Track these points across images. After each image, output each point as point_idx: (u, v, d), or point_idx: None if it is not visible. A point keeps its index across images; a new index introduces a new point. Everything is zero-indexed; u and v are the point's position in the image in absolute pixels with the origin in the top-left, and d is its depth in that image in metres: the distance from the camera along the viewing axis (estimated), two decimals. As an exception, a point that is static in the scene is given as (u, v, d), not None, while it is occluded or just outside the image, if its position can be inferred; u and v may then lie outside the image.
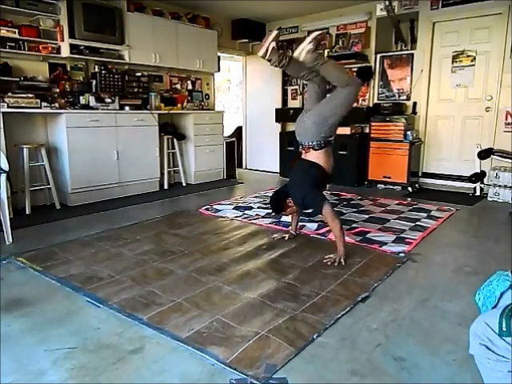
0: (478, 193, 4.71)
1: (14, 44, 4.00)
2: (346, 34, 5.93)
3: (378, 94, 5.78)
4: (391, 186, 5.23)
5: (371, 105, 5.75)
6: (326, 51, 5.99)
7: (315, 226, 3.38)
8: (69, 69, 4.62)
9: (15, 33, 3.98)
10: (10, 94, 3.84)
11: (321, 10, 5.94)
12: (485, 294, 1.31)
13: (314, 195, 2.69)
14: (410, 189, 5.05)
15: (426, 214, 3.85)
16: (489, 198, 4.52)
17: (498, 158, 4.58)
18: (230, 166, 6.11)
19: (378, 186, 5.35)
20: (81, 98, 4.45)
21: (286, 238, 3.11)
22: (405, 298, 2.15)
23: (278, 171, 6.36)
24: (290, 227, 3.23)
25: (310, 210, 2.88)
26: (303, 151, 2.86)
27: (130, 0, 4.86)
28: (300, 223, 3.32)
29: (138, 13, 4.93)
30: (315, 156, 2.79)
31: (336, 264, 2.57)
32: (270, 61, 2.75)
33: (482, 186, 4.71)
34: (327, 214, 2.62)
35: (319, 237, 3.21)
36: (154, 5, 5.29)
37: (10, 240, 3.04)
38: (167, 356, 1.63)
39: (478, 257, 2.82)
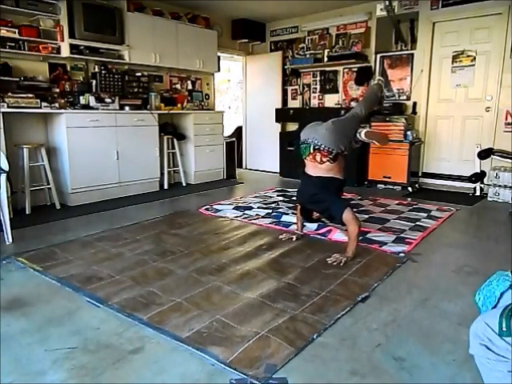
0: (478, 193, 4.71)
1: (14, 44, 4.00)
2: (345, 34, 5.93)
3: (378, 93, 5.77)
4: (391, 186, 5.23)
5: (371, 105, 5.74)
6: (326, 51, 6.00)
7: (315, 226, 3.37)
8: (69, 69, 4.63)
9: (15, 33, 3.98)
10: (10, 93, 3.84)
11: (321, 10, 5.95)
12: (485, 294, 1.31)
13: (337, 204, 2.71)
14: (410, 189, 5.05)
15: (426, 214, 3.85)
16: (489, 198, 4.52)
17: (498, 157, 4.58)
18: (230, 165, 6.11)
19: (378, 185, 5.35)
20: (81, 97, 4.44)
21: (294, 239, 3.10)
22: (405, 298, 2.15)
23: (278, 171, 6.36)
24: (296, 228, 3.23)
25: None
26: (312, 160, 2.77)
27: (130, 0, 4.86)
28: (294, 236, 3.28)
29: (138, 13, 4.94)
30: (329, 168, 2.75)
31: (341, 264, 2.58)
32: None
33: (482, 186, 4.71)
34: (348, 219, 2.62)
35: (319, 237, 3.21)
36: (154, 5, 5.29)
37: (10, 240, 3.04)
38: (167, 356, 1.63)
39: (478, 257, 2.82)
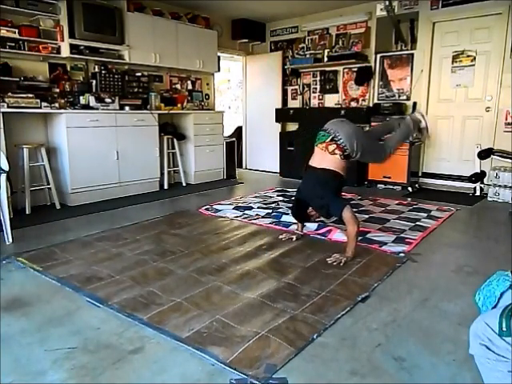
0: (477, 193, 4.71)
1: (14, 44, 4.00)
2: (346, 34, 5.93)
3: (378, 94, 5.78)
4: (391, 186, 5.23)
5: (371, 105, 5.75)
6: (326, 51, 6.00)
7: (315, 226, 3.38)
8: (69, 69, 4.63)
9: (15, 33, 3.98)
10: (10, 93, 3.84)
11: (321, 10, 5.95)
12: (485, 294, 1.31)
13: (337, 203, 2.70)
14: (410, 189, 5.05)
15: (425, 214, 3.84)
16: (489, 198, 4.52)
17: (498, 158, 4.58)
18: (230, 166, 6.11)
19: (378, 185, 5.35)
20: (81, 97, 4.44)
21: (294, 239, 3.10)
22: (405, 298, 2.15)
23: (278, 171, 6.36)
24: (296, 228, 3.23)
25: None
26: (324, 148, 2.79)
27: (130, 0, 4.86)
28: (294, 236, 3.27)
29: (138, 13, 4.93)
30: (336, 162, 2.76)
31: (341, 264, 2.58)
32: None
33: (482, 186, 4.71)
34: (347, 218, 2.63)
35: (319, 237, 3.21)
36: (154, 5, 5.29)
37: (10, 240, 3.04)
38: (167, 356, 1.63)
39: (478, 257, 2.82)
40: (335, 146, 2.75)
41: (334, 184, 2.81)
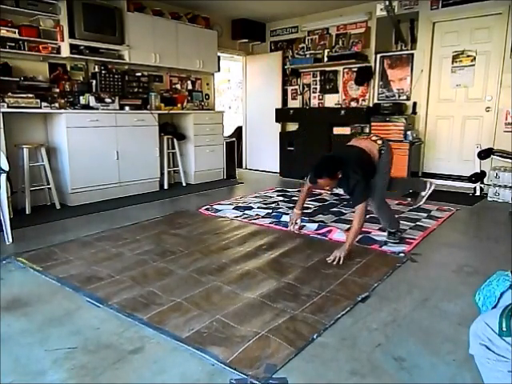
0: (478, 193, 4.71)
1: (14, 44, 4.00)
2: (346, 34, 5.93)
3: (378, 93, 5.78)
4: (391, 186, 5.22)
5: (371, 105, 5.75)
6: (326, 51, 6.00)
7: (315, 226, 3.38)
8: (69, 69, 4.63)
9: (15, 33, 3.98)
10: (9, 93, 3.84)
11: (321, 10, 5.95)
12: (485, 294, 1.31)
13: (364, 188, 2.66)
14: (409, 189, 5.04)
15: (426, 214, 3.85)
16: (489, 198, 4.52)
17: (498, 158, 4.58)
18: (230, 165, 6.11)
19: (378, 185, 5.34)
20: (81, 97, 4.45)
21: (298, 226, 3.29)
22: (405, 298, 2.15)
23: (278, 171, 6.36)
24: (296, 209, 3.32)
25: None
26: (366, 137, 3.01)
27: (130, 0, 4.86)
28: (300, 223, 3.33)
29: (138, 13, 4.93)
30: (374, 149, 2.83)
31: (341, 262, 2.57)
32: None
33: (482, 186, 4.71)
34: (359, 212, 2.63)
35: (319, 237, 3.21)
36: (154, 5, 5.29)
37: (10, 240, 3.04)
38: (167, 356, 1.63)
39: (478, 257, 2.82)
40: (380, 140, 2.90)
41: (368, 168, 2.77)
